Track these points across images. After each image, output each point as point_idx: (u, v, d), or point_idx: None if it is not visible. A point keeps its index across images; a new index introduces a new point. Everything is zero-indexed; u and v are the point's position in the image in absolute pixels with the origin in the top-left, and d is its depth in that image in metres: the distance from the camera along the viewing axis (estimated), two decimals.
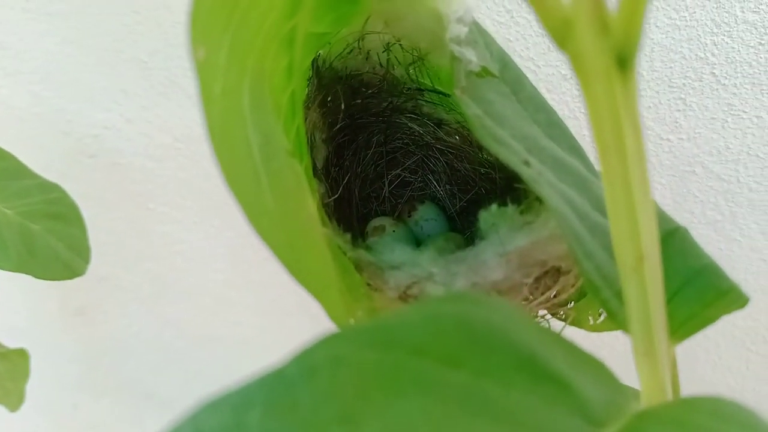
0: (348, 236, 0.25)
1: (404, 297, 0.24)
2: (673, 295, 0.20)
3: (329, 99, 0.28)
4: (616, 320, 0.19)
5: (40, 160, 0.66)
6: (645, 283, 0.17)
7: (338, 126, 0.30)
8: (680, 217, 0.56)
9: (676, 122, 0.50)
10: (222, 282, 0.73)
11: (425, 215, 0.34)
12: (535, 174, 0.19)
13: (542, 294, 0.24)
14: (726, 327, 0.62)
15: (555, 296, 0.24)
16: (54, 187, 0.50)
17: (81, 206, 0.52)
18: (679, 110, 0.50)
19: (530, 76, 0.27)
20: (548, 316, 0.26)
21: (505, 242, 0.23)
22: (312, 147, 0.27)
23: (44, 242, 0.46)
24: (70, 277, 0.47)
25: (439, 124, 0.32)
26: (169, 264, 0.74)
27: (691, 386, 0.67)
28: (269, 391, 0.12)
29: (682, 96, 0.49)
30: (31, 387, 0.60)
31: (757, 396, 0.67)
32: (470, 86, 0.22)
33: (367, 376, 0.13)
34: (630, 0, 0.14)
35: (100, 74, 0.57)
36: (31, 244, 0.45)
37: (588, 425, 0.15)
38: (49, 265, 0.46)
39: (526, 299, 0.24)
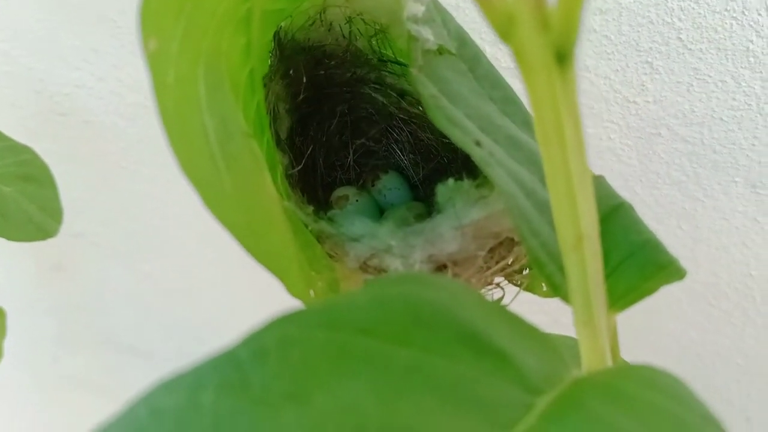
0: (310, 209, 0.25)
1: (365, 267, 0.25)
2: (614, 268, 0.21)
3: (292, 70, 0.28)
4: (560, 293, 0.20)
5: (12, 119, 0.65)
6: (584, 260, 0.18)
7: (302, 97, 0.30)
8: (646, 177, 0.57)
9: (643, 85, 0.51)
10: (196, 239, 0.74)
11: (388, 184, 0.34)
12: (486, 155, 0.20)
13: (497, 263, 0.25)
14: (689, 284, 0.64)
15: (509, 265, 0.25)
16: (25, 150, 0.50)
17: (53, 164, 0.51)
18: (646, 74, 0.50)
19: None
20: (504, 283, 0.27)
21: (460, 216, 0.24)
22: (275, 118, 0.27)
23: (16, 204, 0.46)
24: (43, 238, 0.47)
25: (402, 94, 0.32)
26: (143, 221, 0.74)
27: (655, 339, 0.70)
28: (221, 372, 0.13)
29: (649, 60, 0.49)
30: (10, 342, 0.61)
31: (717, 347, 0.70)
32: (427, 65, 0.22)
33: (316, 356, 0.14)
34: None
35: (70, 33, 0.56)
36: (3, 207, 0.46)
37: (526, 393, 0.16)
38: (21, 227, 0.46)
39: (481, 268, 0.25)
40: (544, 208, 0.20)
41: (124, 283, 0.84)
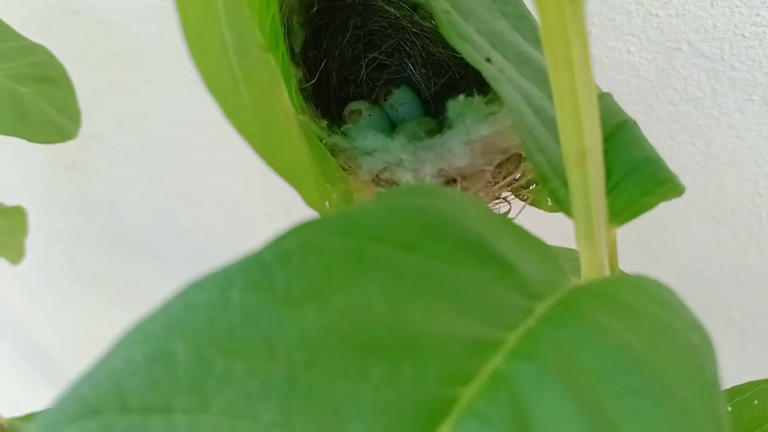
0: (324, 123, 0.26)
1: (377, 180, 0.26)
2: (616, 184, 0.22)
3: None
4: (563, 207, 0.21)
5: (22, 14, 0.65)
6: (587, 175, 0.19)
7: (315, 9, 0.30)
8: (662, 93, 0.57)
9: None
10: (210, 145, 0.74)
11: (400, 99, 0.34)
12: (495, 71, 0.20)
13: (504, 178, 0.26)
14: (698, 200, 0.65)
15: (516, 180, 0.26)
16: (40, 49, 0.50)
17: (67, 64, 0.51)
18: None
19: None
20: (511, 197, 0.28)
21: (470, 132, 0.24)
22: (289, 32, 0.27)
23: (34, 106, 0.47)
24: (63, 140, 0.48)
25: (415, 7, 0.32)
26: (158, 125, 0.74)
27: (660, 252, 0.71)
28: (248, 273, 0.14)
29: None
30: (28, 240, 0.63)
31: (720, 263, 0.71)
32: None
33: (333, 260, 0.15)
34: None
35: None
36: (22, 108, 0.46)
37: (527, 299, 0.18)
38: (41, 129, 0.47)
39: (489, 183, 0.26)
40: (550, 124, 0.21)
41: (138, 187, 0.85)
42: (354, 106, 0.34)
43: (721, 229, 0.68)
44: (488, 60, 0.20)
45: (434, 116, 0.35)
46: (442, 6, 0.21)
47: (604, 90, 0.58)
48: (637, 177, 0.22)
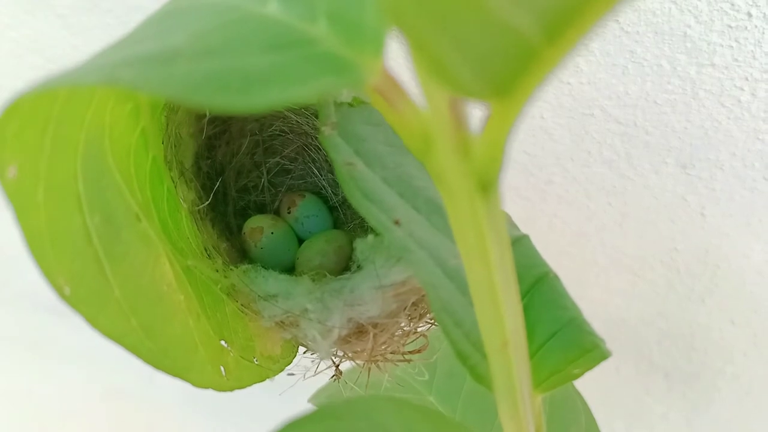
0: (219, 261, 0.23)
1: (280, 324, 0.23)
2: (539, 347, 0.20)
3: None
4: (484, 383, 0.19)
5: None
6: (509, 362, 0.17)
7: (207, 118, 0.27)
8: (577, 155, 0.57)
9: (578, 66, 0.49)
10: None
11: (306, 211, 0.31)
12: (405, 236, 0.18)
13: (420, 317, 0.24)
14: (616, 255, 0.65)
15: (432, 318, 0.24)
16: None
17: None
18: (581, 55, 0.49)
19: None
20: (429, 329, 0.26)
21: (380, 276, 0.22)
22: (178, 147, 0.24)
23: None
24: None
25: (317, 114, 0.30)
26: None
27: (586, 305, 0.71)
28: None
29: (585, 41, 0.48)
30: None
31: (641, 313, 0.71)
32: (341, 119, 0.20)
33: None
34: (493, 125, 0.13)
35: None
36: None
37: None
38: None
39: (405, 323, 0.24)
40: (467, 288, 0.19)
41: None
42: (254, 222, 0.30)
43: (640, 282, 0.68)
44: (396, 222, 0.18)
45: (344, 225, 0.32)
46: (344, 158, 0.19)
47: (519, 152, 0.58)
48: (561, 342, 0.20)
